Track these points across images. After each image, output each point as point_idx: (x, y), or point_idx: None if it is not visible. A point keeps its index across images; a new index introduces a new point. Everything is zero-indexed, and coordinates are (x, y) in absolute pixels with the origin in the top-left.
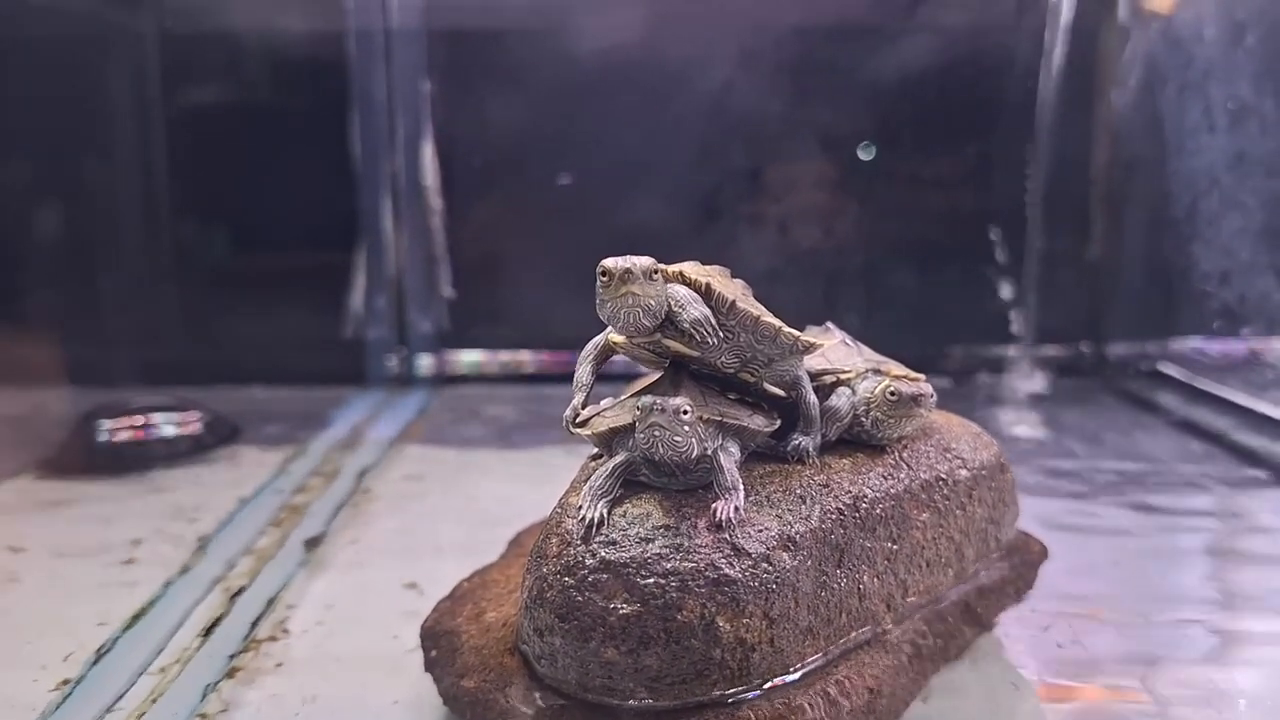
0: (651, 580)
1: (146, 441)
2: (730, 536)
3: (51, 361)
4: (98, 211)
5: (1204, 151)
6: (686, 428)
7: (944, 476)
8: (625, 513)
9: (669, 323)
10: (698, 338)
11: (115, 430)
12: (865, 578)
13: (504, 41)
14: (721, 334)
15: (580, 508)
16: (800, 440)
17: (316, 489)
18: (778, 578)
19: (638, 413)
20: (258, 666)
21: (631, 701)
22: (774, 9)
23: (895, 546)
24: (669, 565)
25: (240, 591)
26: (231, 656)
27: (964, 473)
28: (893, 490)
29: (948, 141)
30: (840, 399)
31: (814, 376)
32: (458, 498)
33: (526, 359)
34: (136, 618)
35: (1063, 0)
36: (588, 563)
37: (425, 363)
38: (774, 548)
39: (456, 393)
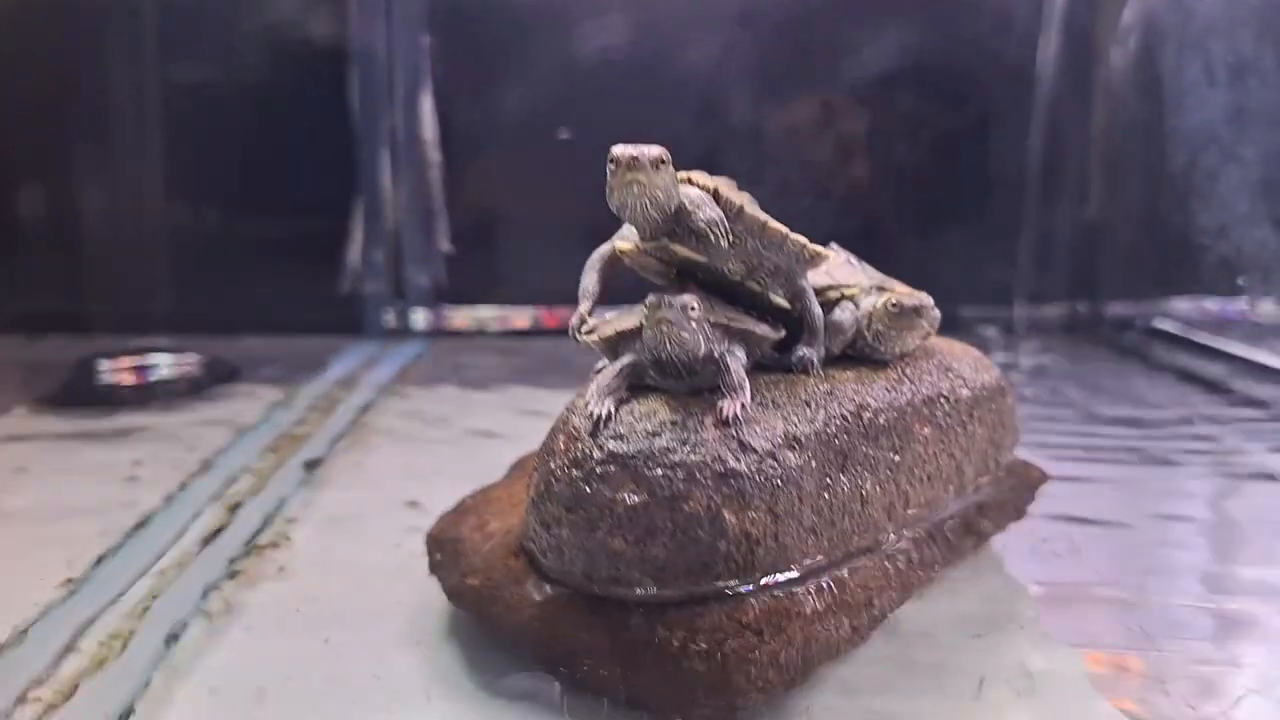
0: (659, 472)
1: (145, 382)
2: (737, 433)
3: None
4: (96, 168)
5: (1203, 107)
6: (694, 324)
7: (945, 394)
8: (632, 410)
9: (677, 227)
10: (711, 238)
11: (114, 370)
12: (868, 485)
13: None
14: (731, 237)
15: (587, 404)
16: (804, 351)
17: (315, 421)
18: (783, 475)
19: (645, 310)
20: (259, 571)
21: (638, 590)
22: None
23: (897, 457)
24: (676, 458)
25: (240, 505)
26: (232, 560)
27: (965, 391)
28: (896, 402)
29: (946, 103)
30: (844, 313)
31: (819, 292)
32: (456, 429)
33: (525, 315)
34: (138, 527)
35: None
36: (595, 455)
37: (422, 318)
38: (779, 446)
39: (454, 344)
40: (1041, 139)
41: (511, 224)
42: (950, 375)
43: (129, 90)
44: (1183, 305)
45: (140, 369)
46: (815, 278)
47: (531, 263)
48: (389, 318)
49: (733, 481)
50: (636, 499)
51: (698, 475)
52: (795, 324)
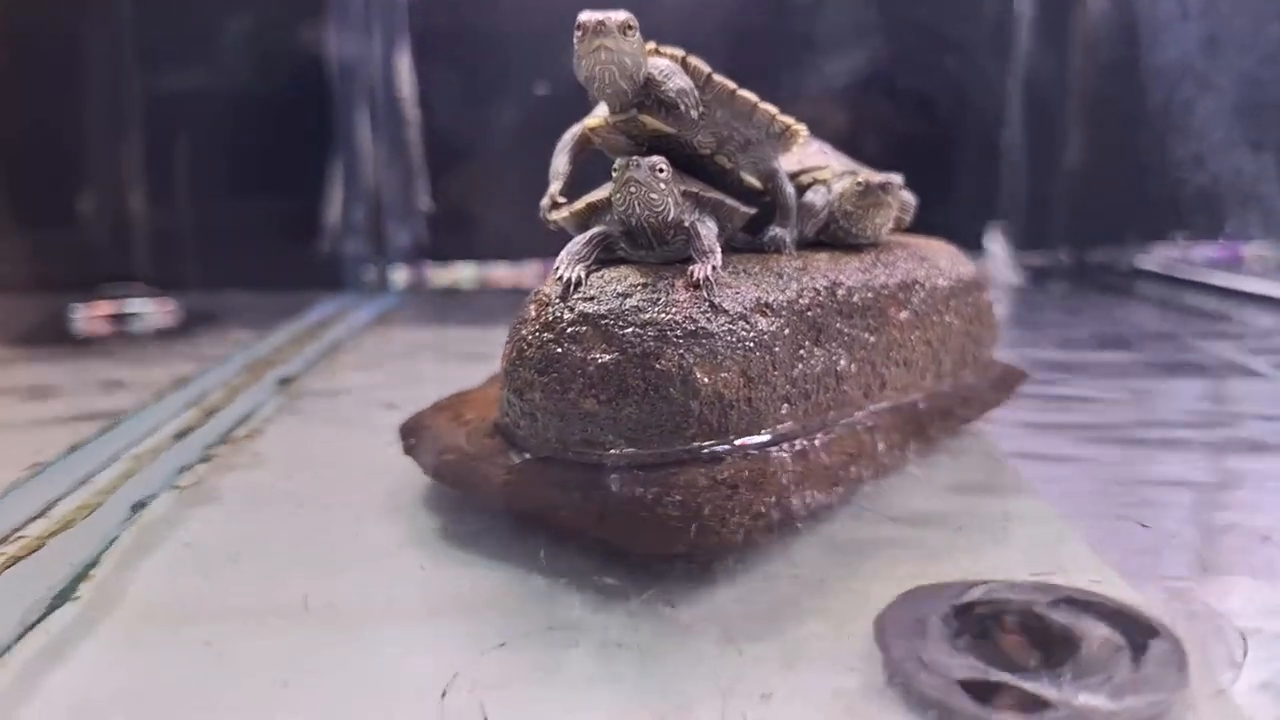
0: (630, 330)
1: (122, 329)
2: (708, 295)
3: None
4: (77, 133)
5: (1178, 41)
6: (663, 185)
7: (921, 281)
8: (603, 275)
9: (646, 99)
10: (681, 107)
11: (90, 314)
12: (843, 362)
13: None
14: (700, 108)
15: (557, 269)
16: (777, 231)
17: (291, 350)
18: (755, 338)
19: (613, 173)
20: (234, 457)
21: (612, 452)
22: None
23: (873, 339)
24: (647, 316)
25: (216, 411)
26: (207, 448)
27: (942, 282)
28: (870, 283)
29: (926, 55)
30: (816, 195)
31: (792, 177)
32: (435, 355)
33: (504, 272)
34: (109, 428)
35: None
36: (566, 317)
37: (402, 275)
38: (751, 310)
39: (434, 296)
40: (1020, 89)
41: (491, 180)
42: (926, 264)
43: (115, 66)
44: (1164, 250)
45: (116, 316)
46: (787, 163)
47: (511, 219)
48: (370, 276)
49: (704, 341)
50: (608, 358)
51: (669, 334)
52: (767, 210)
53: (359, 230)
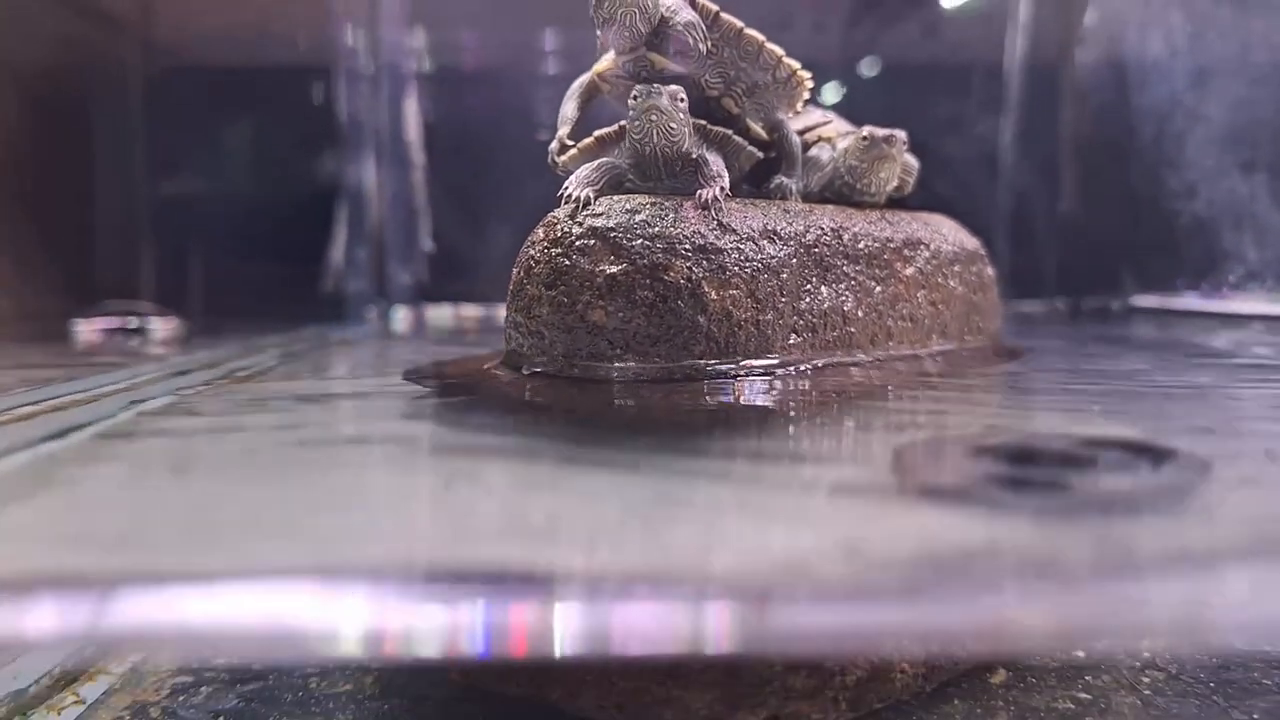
0: (639, 242)
1: (124, 342)
2: (716, 215)
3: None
4: (90, 183)
5: (1167, 77)
6: (682, 115)
7: (925, 241)
8: (612, 197)
9: (654, 37)
10: (689, 40)
11: (90, 327)
12: (849, 304)
13: None
14: (708, 43)
15: (566, 189)
16: (782, 179)
17: (293, 340)
18: (763, 261)
19: (633, 100)
20: (236, 385)
21: (619, 364)
22: None
23: (879, 289)
24: (656, 230)
25: (217, 364)
26: (206, 382)
27: (947, 246)
28: (876, 234)
29: (918, 106)
30: (821, 151)
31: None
32: (432, 347)
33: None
34: (100, 370)
35: None
36: (575, 232)
37: (403, 315)
38: (759, 234)
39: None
40: (1012, 141)
41: (492, 223)
42: (929, 228)
43: (114, 100)
44: (1159, 295)
45: (117, 330)
46: (794, 125)
47: (512, 261)
48: (372, 315)
49: (713, 256)
50: (616, 269)
51: (678, 247)
52: (772, 164)
53: (362, 271)
